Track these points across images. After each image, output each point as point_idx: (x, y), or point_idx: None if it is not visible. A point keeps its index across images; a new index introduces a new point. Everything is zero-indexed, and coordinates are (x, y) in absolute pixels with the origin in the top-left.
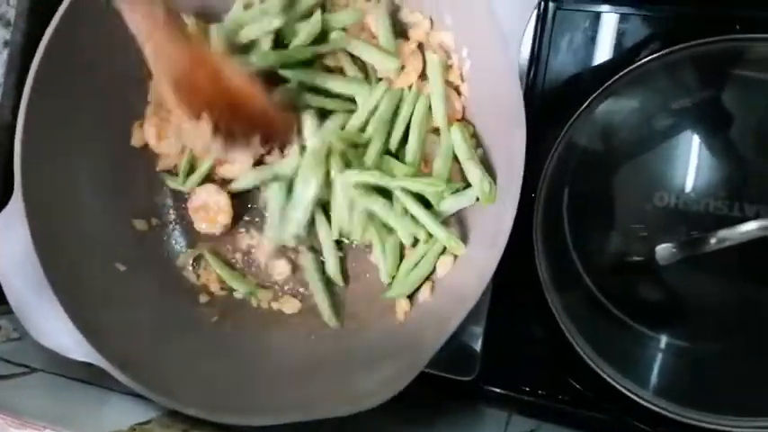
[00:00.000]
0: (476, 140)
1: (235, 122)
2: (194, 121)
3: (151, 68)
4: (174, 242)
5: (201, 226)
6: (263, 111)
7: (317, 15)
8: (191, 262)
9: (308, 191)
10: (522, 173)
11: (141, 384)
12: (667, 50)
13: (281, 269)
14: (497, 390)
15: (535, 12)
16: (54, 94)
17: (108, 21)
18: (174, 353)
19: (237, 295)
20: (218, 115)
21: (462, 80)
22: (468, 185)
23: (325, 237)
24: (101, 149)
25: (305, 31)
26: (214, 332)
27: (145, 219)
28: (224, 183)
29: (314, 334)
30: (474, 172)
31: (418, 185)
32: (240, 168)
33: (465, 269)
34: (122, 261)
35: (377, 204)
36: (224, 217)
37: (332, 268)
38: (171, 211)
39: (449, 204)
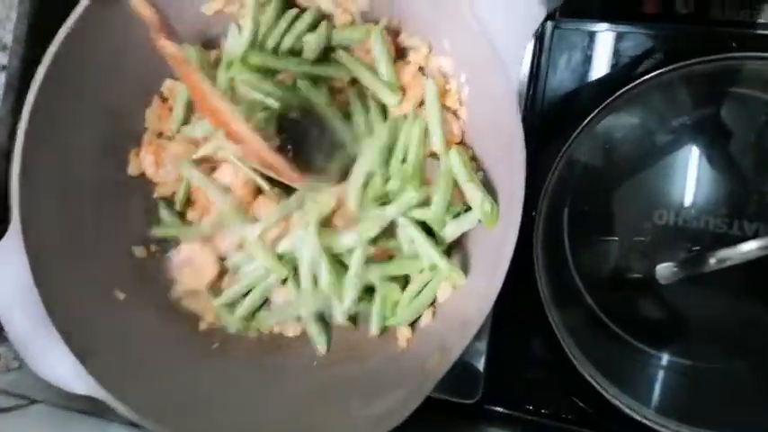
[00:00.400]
0: (475, 164)
1: None
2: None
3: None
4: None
5: (185, 281)
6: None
7: (323, 27)
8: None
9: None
10: (522, 199)
11: (140, 416)
12: (665, 69)
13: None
14: (500, 409)
15: None
16: (52, 121)
17: (105, 48)
18: (174, 382)
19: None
20: None
21: (461, 104)
22: (469, 209)
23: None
24: (99, 177)
25: (312, 42)
26: (215, 360)
27: (144, 246)
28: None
29: (316, 360)
30: (474, 194)
31: (422, 212)
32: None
33: (467, 295)
34: (122, 289)
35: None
36: (211, 270)
37: (340, 317)
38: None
39: (451, 230)
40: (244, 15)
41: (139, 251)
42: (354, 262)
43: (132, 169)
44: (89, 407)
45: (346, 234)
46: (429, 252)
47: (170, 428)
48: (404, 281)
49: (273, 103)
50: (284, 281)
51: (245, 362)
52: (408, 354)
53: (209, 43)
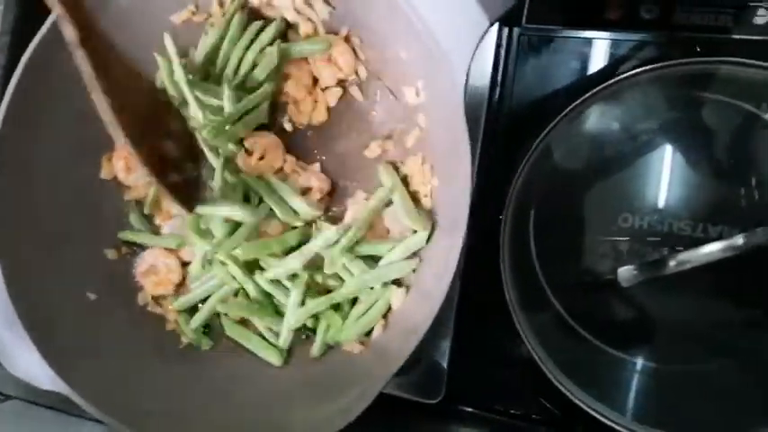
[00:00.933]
0: (429, 173)
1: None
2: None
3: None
4: None
5: (151, 289)
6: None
7: (275, 48)
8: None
9: None
10: (467, 208)
11: (106, 414)
12: (630, 74)
13: None
14: (469, 409)
15: (495, 37)
16: (25, 125)
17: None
18: (141, 382)
19: None
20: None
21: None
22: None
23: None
24: (72, 180)
25: (262, 65)
26: (182, 360)
27: (115, 248)
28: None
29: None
30: (409, 215)
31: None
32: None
33: (415, 302)
34: (93, 290)
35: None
36: (175, 276)
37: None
38: None
39: (399, 252)
40: (211, 24)
41: (111, 253)
42: (292, 297)
43: (105, 173)
44: (63, 404)
45: (275, 267)
46: (367, 279)
47: (135, 428)
48: (351, 302)
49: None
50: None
51: (211, 362)
52: (361, 356)
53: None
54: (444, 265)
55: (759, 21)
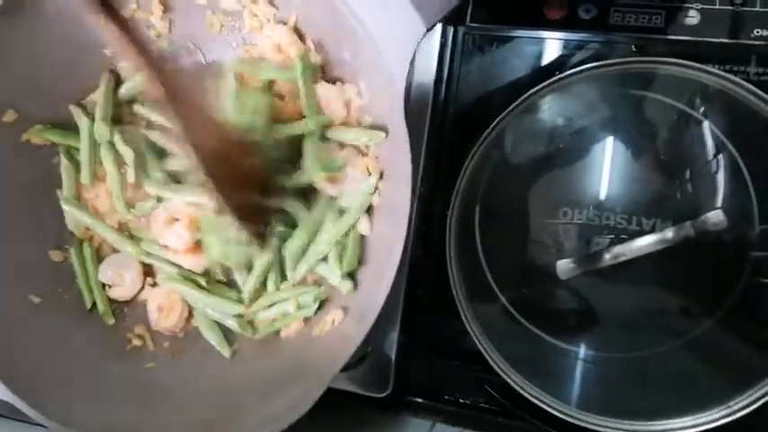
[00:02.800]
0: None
1: None
2: None
3: None
4: None
5: (114, 292)
6: None
7: None
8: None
9: None
10: (406, 214)
11: (51, 419)
12: (570, 72)
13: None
14: (420, 400)
15: (440, 36)
16: None
17: (19, 58)
18: (88, 383)
19: None
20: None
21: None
22: None
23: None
24: (14, 180)
25: None
26: (131, 360)
27: (60, 249)
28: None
29: (227, 359)
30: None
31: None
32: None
33: (361, 301)
34: (36, 293)
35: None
36: (137, 281)
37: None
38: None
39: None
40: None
41: (56, 255)
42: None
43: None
44: (5, 408)
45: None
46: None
47: (78, 430)
48: None
49: None
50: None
51: (162, 361)
52: (307, 352)
53: None
54: (386, 263)
55: (690, 21)
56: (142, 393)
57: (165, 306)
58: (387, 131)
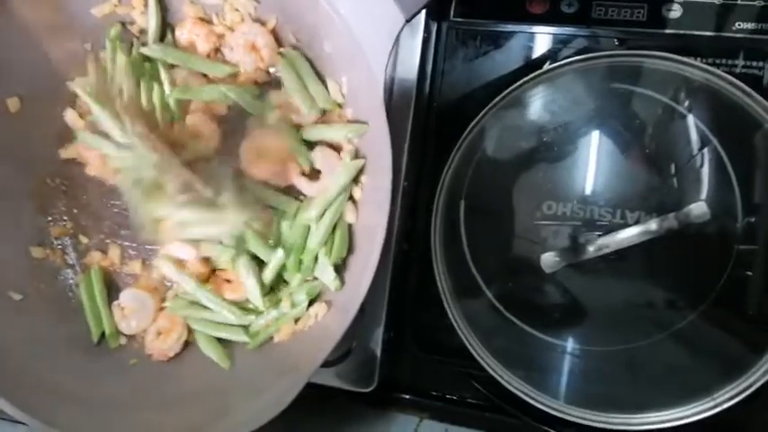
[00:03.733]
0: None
1: None
2: None
3: None
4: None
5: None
6: None
7: None
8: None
9: None
10: (387, 209)
11: (30, 416)
12: (553, 66)
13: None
14: (406, 396)
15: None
16: None
17: None
18: (69, 381)
19: None
20: None
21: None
22: None
23: None
24: None
25: None
26: (113, 358)
27: (41, 246)
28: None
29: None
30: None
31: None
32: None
33: (341, 300)
34: (17, 290)
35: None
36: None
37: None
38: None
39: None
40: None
41: (37, 252)
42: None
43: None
44: None
45: None
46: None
47: (61, 429)
48: None
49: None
50: None
51: (144, 360)
52: (289, 349)
53: None
54: (368, 256)
55: (672, 15)
56: (126, 392)
57: (164, 329)
58: (368, 124)
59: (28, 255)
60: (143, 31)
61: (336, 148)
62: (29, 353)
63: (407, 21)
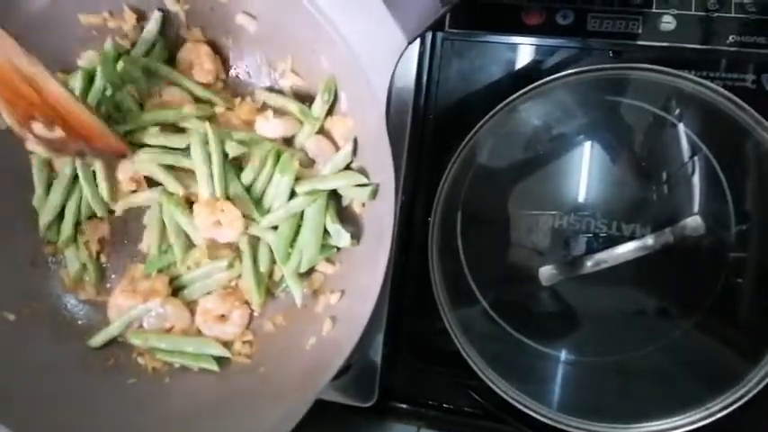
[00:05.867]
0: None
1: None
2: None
3: None
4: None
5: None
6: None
7: None
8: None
9: None
10: (393, 206)
11: None
12: (549, 78)
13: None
14: (403, 406)
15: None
16: None
17: None
18: (67, 400)
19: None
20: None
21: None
22: None
23: None
24: None
25: None
26: (111, 376)
27: (35, 265)
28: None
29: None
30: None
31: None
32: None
33: (350, 309)
34: (11, 310)
35: None
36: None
37: None
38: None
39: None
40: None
41: (31, 271)
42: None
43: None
44: None
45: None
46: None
47: None
48: None
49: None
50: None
51: (143, 377)
52: (294, 364)
53: None
54: (373, 273)
55: (666, 27)
56: (125, 412)
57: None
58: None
59: (21, 274)
60: (135, 44)
61: (331, 138)
62: (24, 373)
63: (410, 43)
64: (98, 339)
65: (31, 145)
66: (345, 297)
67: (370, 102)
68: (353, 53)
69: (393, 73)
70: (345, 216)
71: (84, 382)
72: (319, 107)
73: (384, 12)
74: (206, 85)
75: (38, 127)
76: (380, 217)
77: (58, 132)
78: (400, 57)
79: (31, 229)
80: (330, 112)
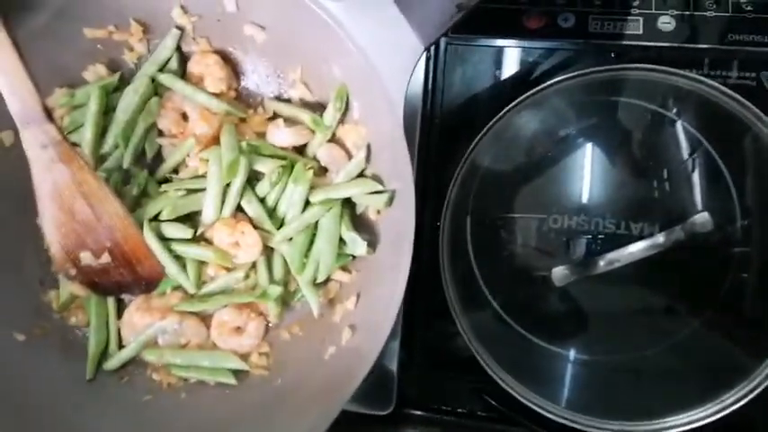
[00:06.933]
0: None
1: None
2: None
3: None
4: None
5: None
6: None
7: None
8: None
9: None
10: (413, 213)
11: None
12: (553, 81)
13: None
14: (418, 412)
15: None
16: None
17: None
18: (78, 420)
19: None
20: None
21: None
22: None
23: None
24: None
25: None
26: (123, 394)
27: (43, 285)
28: None
29: (228, 388)
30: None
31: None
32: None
33: (374, 305)
34: (21, 330)
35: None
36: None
37: None
38: None
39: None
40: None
41: (41, 292)
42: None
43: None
44: None
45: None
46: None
47: None
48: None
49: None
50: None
51: (159, 394)
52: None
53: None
54: (395, 280)
55: (666, 28)
56: (141, 425)
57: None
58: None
59: (30, 293)
60: (141, 58)
61: (343, 146)
62: (36, 393)
63: (426, 48)
64: (114, 362)
65: (68, 284)
66: (364, 305)
67: (384, 108)
68: (368, 60)
69: (409, 79)
70: (360, 223)
71: (99, 401)
72: (331, 115)
73: (399, 17)
74: (219, 96)
75: (85, 255)
76: (397, 223)
77: (105, 259)
78: (417, 62)
79: (39, 248)
80: (342, 120)
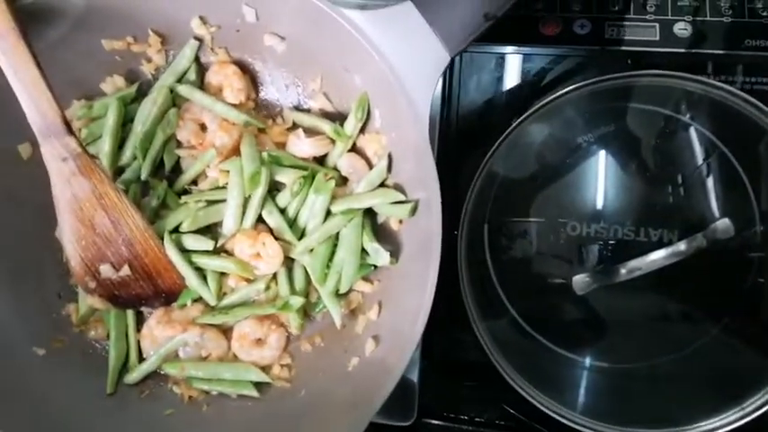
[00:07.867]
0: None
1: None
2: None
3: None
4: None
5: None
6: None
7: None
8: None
9: None
10: (440, 222)
11: None
12: (570, 88)
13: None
14: (437, 422)
15: None
16: None
17: None
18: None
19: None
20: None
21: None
22: None
23: None
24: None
25: None
26: (145, 407)
27: (61, 298)
28: None
29: (251, 400)
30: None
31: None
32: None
33: (401, 316)
34: (40, 345)
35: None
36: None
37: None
38: None
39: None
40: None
41: (60, 306)
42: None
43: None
44: None
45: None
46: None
47: None
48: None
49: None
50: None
51: (180, 407)
52: (339, 388)
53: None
54: (422, 291)
55: (682, 34)
56: None
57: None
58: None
59: (50, 306)
60: (159, 69)
61: (364, 155)
62: (57, 408)
63: (452, 58)
64: (134, 376)
65: (88, 298)
66: (388, 315)
67: (407, 117)
68: (393, 70)
69: (435, 88)
70: (381, 233)
71: (120, 415)
72: (352, 125)
73: (426, 27)
74: (238, 106)
75: (105, 268)
76: (422, 233)
77: (125, 271)
78: (443, 72)
79: (58, 261)
80: (362, 129)
